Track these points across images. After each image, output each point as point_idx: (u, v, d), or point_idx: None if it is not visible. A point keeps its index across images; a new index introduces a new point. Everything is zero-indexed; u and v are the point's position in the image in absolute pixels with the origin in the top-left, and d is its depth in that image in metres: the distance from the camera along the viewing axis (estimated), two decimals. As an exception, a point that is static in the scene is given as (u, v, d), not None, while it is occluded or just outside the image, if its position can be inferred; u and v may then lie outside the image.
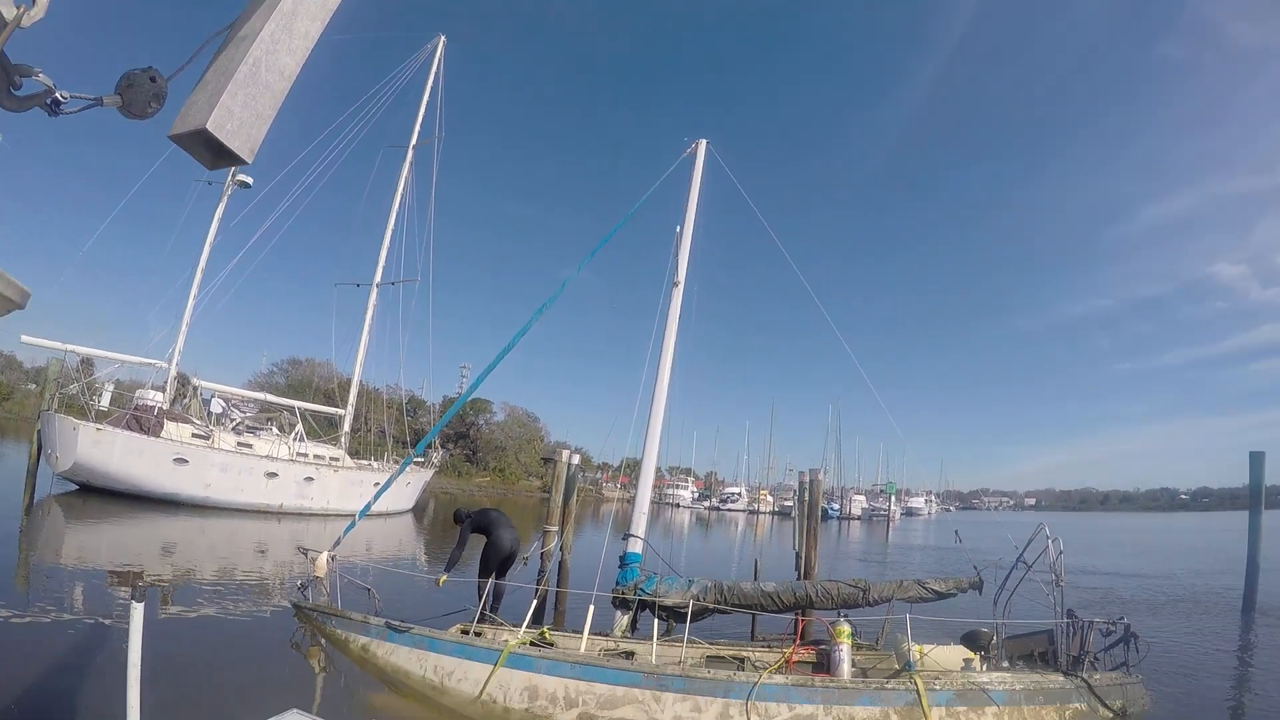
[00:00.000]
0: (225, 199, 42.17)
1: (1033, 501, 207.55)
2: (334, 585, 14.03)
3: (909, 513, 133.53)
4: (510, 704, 11.71)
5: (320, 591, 13.95)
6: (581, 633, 13.21)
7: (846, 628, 12.80)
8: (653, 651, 12.74)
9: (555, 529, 18.26)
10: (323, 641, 13.46)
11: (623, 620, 14.50)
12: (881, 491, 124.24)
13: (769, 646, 13.93)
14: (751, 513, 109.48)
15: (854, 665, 12.86)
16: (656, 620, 14.14)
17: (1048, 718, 12.43)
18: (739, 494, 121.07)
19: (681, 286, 16.99)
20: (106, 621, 12.51)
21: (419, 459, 50.85)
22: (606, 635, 14.08)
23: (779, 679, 11.57)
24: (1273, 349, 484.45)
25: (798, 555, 19.87)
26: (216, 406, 41.05)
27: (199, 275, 40.62)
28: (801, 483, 21.36)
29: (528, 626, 13.42)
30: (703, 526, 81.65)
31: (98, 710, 9.03)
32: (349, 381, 47.82)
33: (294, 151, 44.03)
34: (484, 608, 14.14)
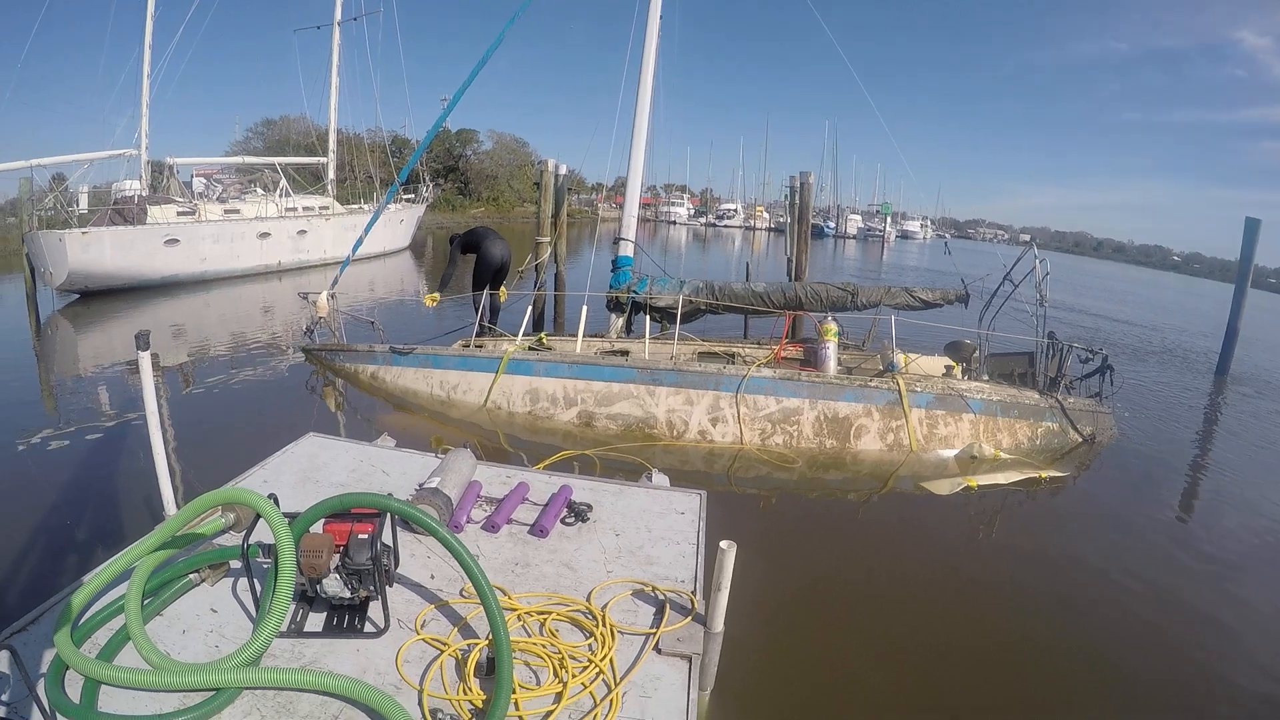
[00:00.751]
0: None
1: (1027, 238, 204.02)
2: (337, 324, 14.54)
3: (904, 235, 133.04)
4: (514, 408, 12.37)
5: (327, 331, 14.47)
6: (578, 336, 13.70)
7: (834, 326, 13.29)
8: (646, 350, 13.26)
9: (546, 239, 18.34)
10: (335, 379, 14.02)
11: (617, 322, 14.96)
12: (877, 212, 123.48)
13: (759, 344, 14.59)
14: (748, 229, 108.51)
15: (840, 364, 13.40)
16: (649, 321, 14.60)
17: (1020, 432, 12.97)
18: (735, 210, 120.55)
19: None
20: (133, 417, 12.35)
21: (403, 193, 50.88)
22: (602, 337, 14.68)
23: (767, 372, 12.09)
24: None
25: (789, 259, 20.09)
26: (198, 185, 40.46)
27: (147, 51, 37.35)
28: (792, 186, 21.20)
29: (525, 334, 13.94)
30: (700, 243, 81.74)
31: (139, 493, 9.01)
32: (327, 131, 46.40)
33: None
34: (481, 319, 14.61)
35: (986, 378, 14.05)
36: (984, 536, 10.07)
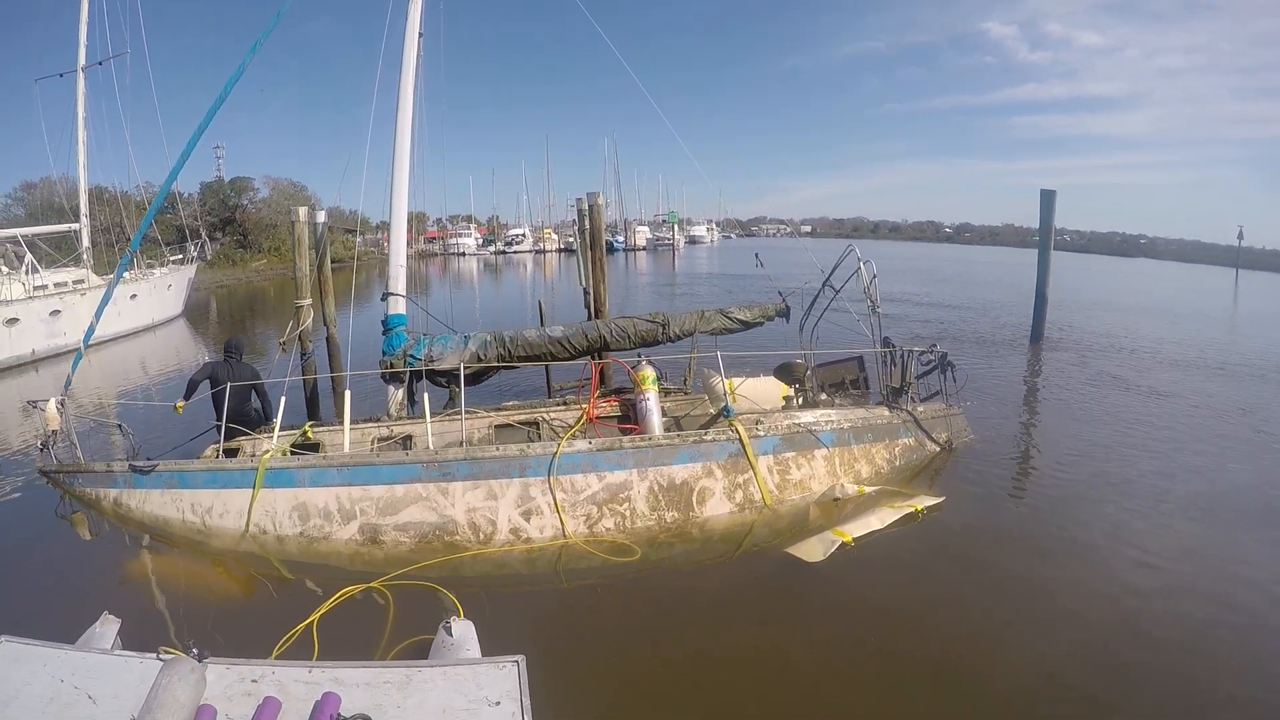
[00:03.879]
0: None
1: (808, 229, 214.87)
2: (72, 433, 11.46)
3: (692, 241, 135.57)
4: (282, 531, 9.58)
5: (64, 446, 11.38)
6: (343, 426, 10.85)
7: (650, 372, 11.06)
8: (429, 432, 10.47)
9: (307, 301, 15.31)
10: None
11: (397, 397, 12.23)
12: (664, 221, 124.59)
13: (565, 403, 12.01)
14: (538, 252, 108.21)
15: (664, 415, 11.23)
16: (428, 394, 11.83)
17: (878, 456, 11.82)
18: (523, 235, 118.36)
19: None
20: None
21: (169, 254, 46.20)
22: (378, 421, 11.76)
23: (581, 445, 9.85)
24: (1032, 106, 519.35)
25: (586, 292, 17.96)
26: None
27: None
28: (580, 210, 19.10)
29: (283, 429, 11.04)
30: (492, 272, 79.48)
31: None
32: (92, 191, 40.90)
33: None
34: (225, 416, 11.25)
35: (825, 397, 12.99)
36: (866, 597, 8.53)
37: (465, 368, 11.65)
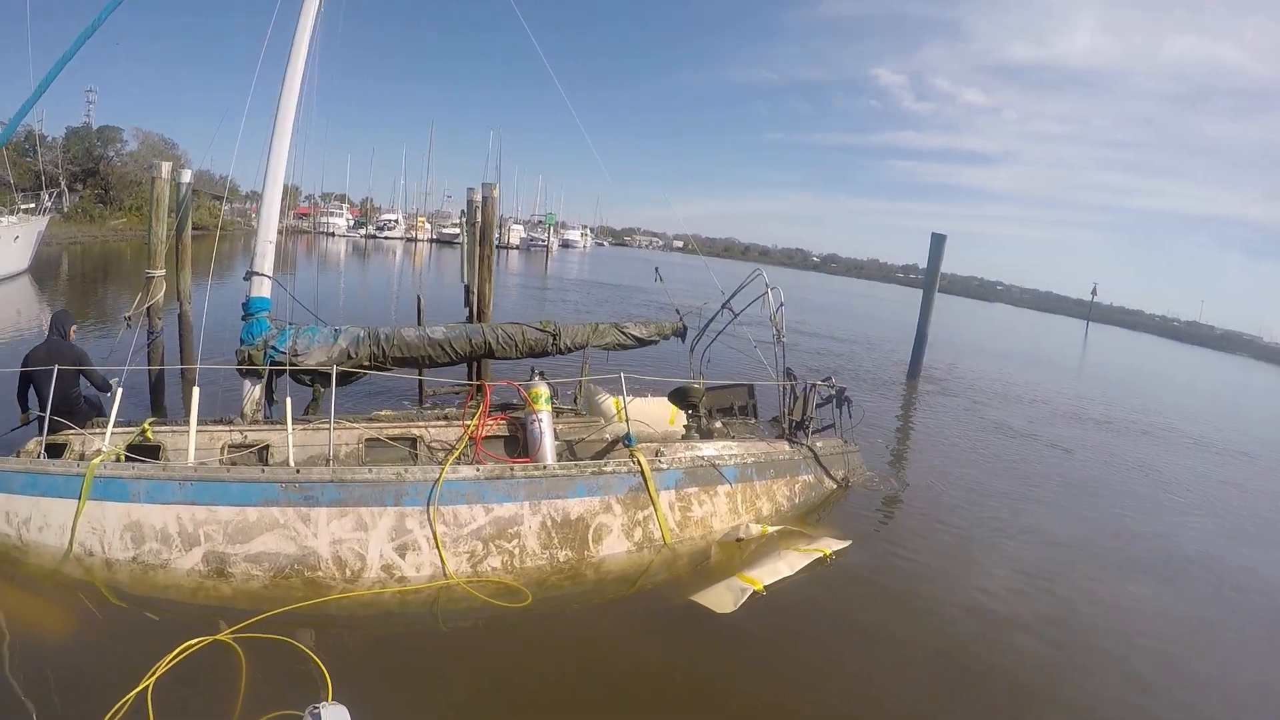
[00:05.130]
0: None
1: (680, 244, 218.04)
2: None
3: (565, 244, 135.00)
4: (112, 554, 7.90)
5: None
6: (189, 427, 9.12)
7: (544, 390, 9.92)
8: (290, 443, 9.01)
9: (160, 272, 13.53)
10: None
11: (253, 394, 10.61)
12: (540, 222, 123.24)
13: (446, 418, 10.56)
14: (409, 240, 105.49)
15: (557, 438, 10.07)
16: (288, 397, 10.11)
17: (779, 493, 11.21)
18: (396, 221, 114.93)
19: None
20: None
21: (20, 201, 41.80)
22: (230, 423, 9.93)
23: (467, 472, 8.60)
24: (910, 152, 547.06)
25: (468, 290, 16.65)
26: None
27: None
28: (471, 201, 17.77)
29: (119, 425, 9.32)
30: (360, 256, 76.23)
31: None
32: None
33: None
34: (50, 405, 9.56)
35: (719, 425, 12.29)
36: (784, 654, 7.86)
37: (335, 366, 10.33)
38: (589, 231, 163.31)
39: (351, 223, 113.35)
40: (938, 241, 26.75)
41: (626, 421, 10.01)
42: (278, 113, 11.27)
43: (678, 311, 13.25)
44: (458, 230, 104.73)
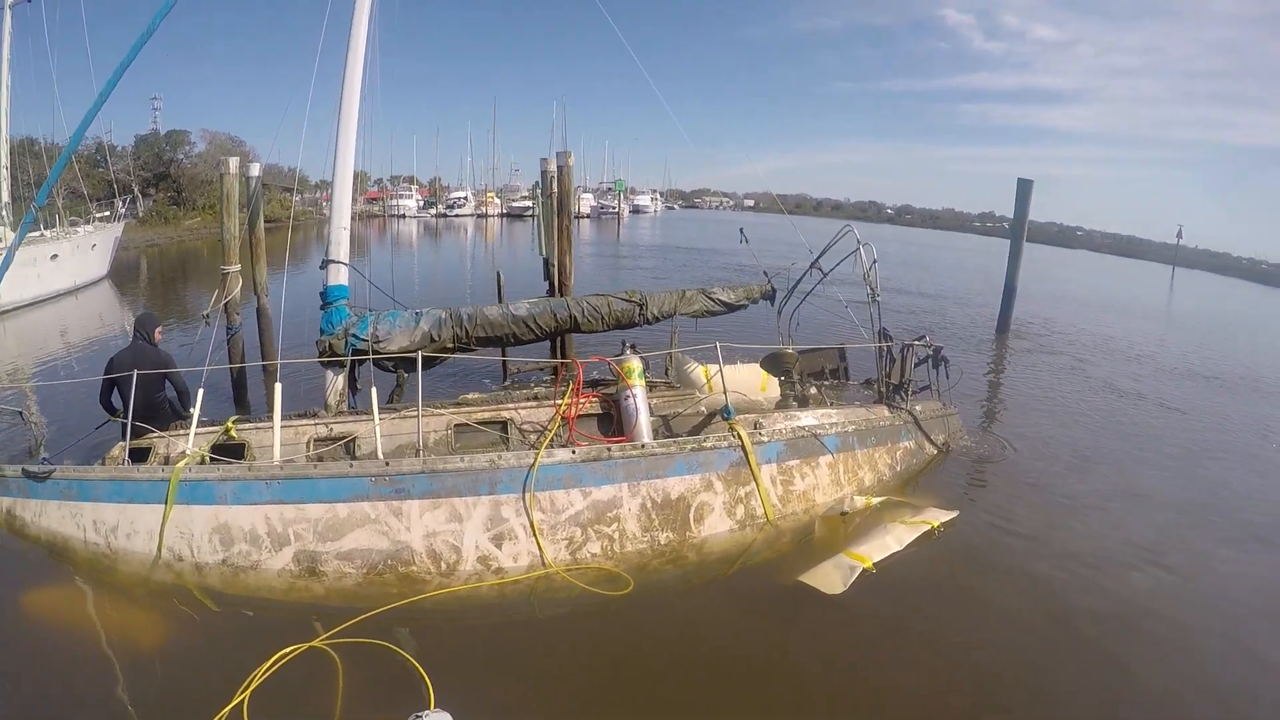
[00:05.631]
0: None
1: (751, 203, 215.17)
2: None
3: (636, 210, 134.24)
4: (201, 557, 7.80)
5: None
6: (273, 423, 8.88)
7: (636, 364, 9.51)
8: (378, 434, 8.72)
9: (236, 268, 13.46)
10: None
11: (336, 384, 10.40)
12: (610, 189, 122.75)
13: (536, 399, 10.16)
14: (480, 216, 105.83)
15: (651, 413, 9.66)
16: (373, 383, 9.86)
17: (880, 462, 10.60)
18: (465, 198, 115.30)
19: None
20: None
21: (95, 210, 43.29)
22: (315, 417, 9.72)
23: (563, 455, 8.24)
24: (982, 95, 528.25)
25: (547, 263, 16.27)
26: None
27: None
28: (545, 171, 17.29)
29: (202, 425, 9.11)
30: (432, 236, 76.88)
31: None
32: (20, 143, 37.88)
33: None
34: (132, 410, 9.19)
35: (814, 390, 11.72)
36: (901, 635, 7.37)
37: (418, 351, 10.07)
38: (658, 196, 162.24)
39: (421, 203, 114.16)
40: (1024, 187, 25.15)
41: (725, 393, 9.53)
42: (341, 101, 11.04)
43: (765, 274, 12.74)
44: (529, 203, 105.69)
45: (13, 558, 8.21)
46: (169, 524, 7.85)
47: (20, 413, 10.96)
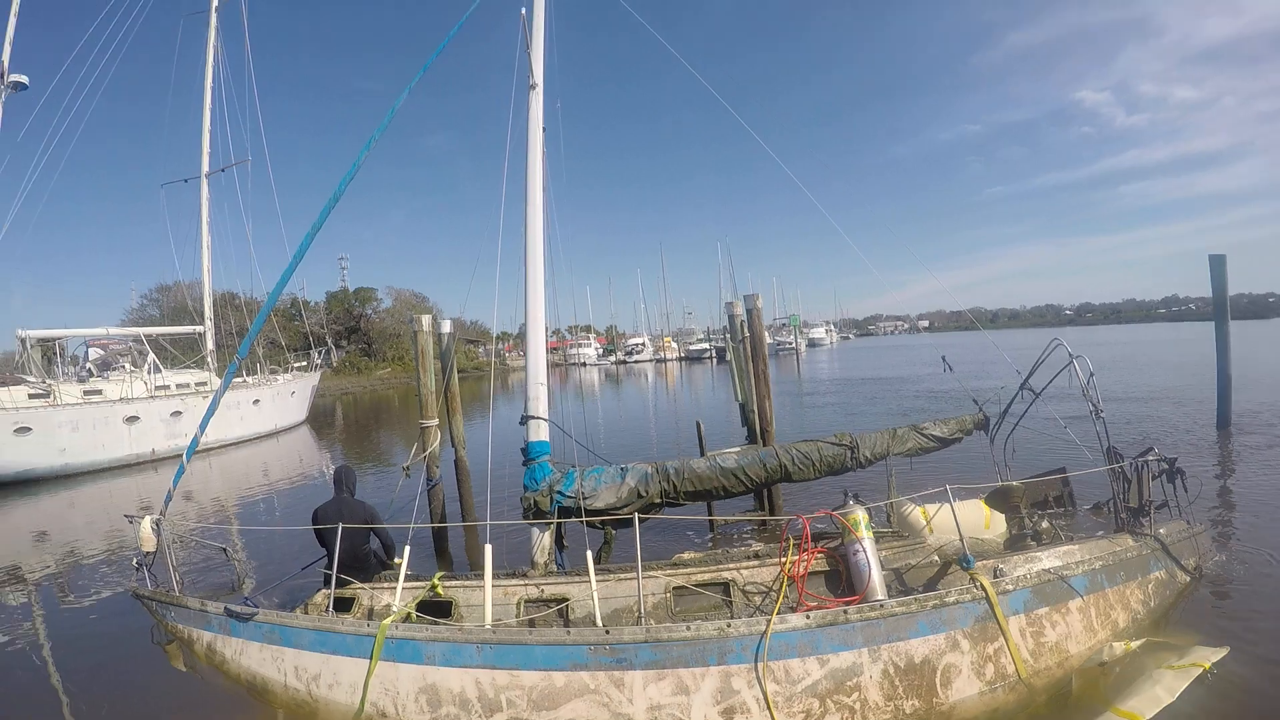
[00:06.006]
0: None
1: (926, 324, 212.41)
2: (169, 558, 10.04)
3: (811, 344, 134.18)
4: (406, 716, 7.66)
5: (164, 569, 10.08)
6: (484, 583, 8.79)
7: (862, 514, 8.85)
8: (594, 594, 8.41)
9: (434, 422, 13.70)
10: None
11: (543, 542, 10.18)
12: (784, 325, 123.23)
13: (757, 557, 9.56)
14: (659, 361, 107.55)
15: (882, 566, 8.95)
16: (589, 554, 9.44)
17: (1133, 598, 9.37)
18: (643, 344, 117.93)
19: (540, 90, 12.10)
20: None
21: (294, 361, 47.78)
22: (524, 577, 9.46)
23: (796, 621, 7.62)
24: (1137, 172, 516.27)
25: (744, 409, 15.88)
26: (95, 353, 36.33)
27: None
28: (733, 315, 16.99)
29: (409, 579, 9.11)
30: (613, 383, 78.14)
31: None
32: (221, 296, 42.71)
33: (75, 40, 38.46)
34: (336, 562, 9.38)
35: (1046, 524, 10.74)
36: None
37: (626, 507, 9.77)
38: (832, 326, 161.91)
39: (600, 351, 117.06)
40: (1218, 264, 23.21)
41: (961, 539, 8.76)
42: (525, 262, 11.42)
43: (975, 401, 12.08)
44: (705, 346, 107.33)
45: (217, 692, 8.64)
46: (374, 679, 7.79)
47: (225, 549, 11.57)
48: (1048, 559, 9.07)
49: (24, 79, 35.26)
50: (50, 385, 30.93)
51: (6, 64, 34.36)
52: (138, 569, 10.13)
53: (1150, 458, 10.72)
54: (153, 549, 9.94)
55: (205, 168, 40.67)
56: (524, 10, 12.16)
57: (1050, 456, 13.31)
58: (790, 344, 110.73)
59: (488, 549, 8.71)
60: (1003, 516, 10.95)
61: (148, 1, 39.02)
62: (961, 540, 8.71)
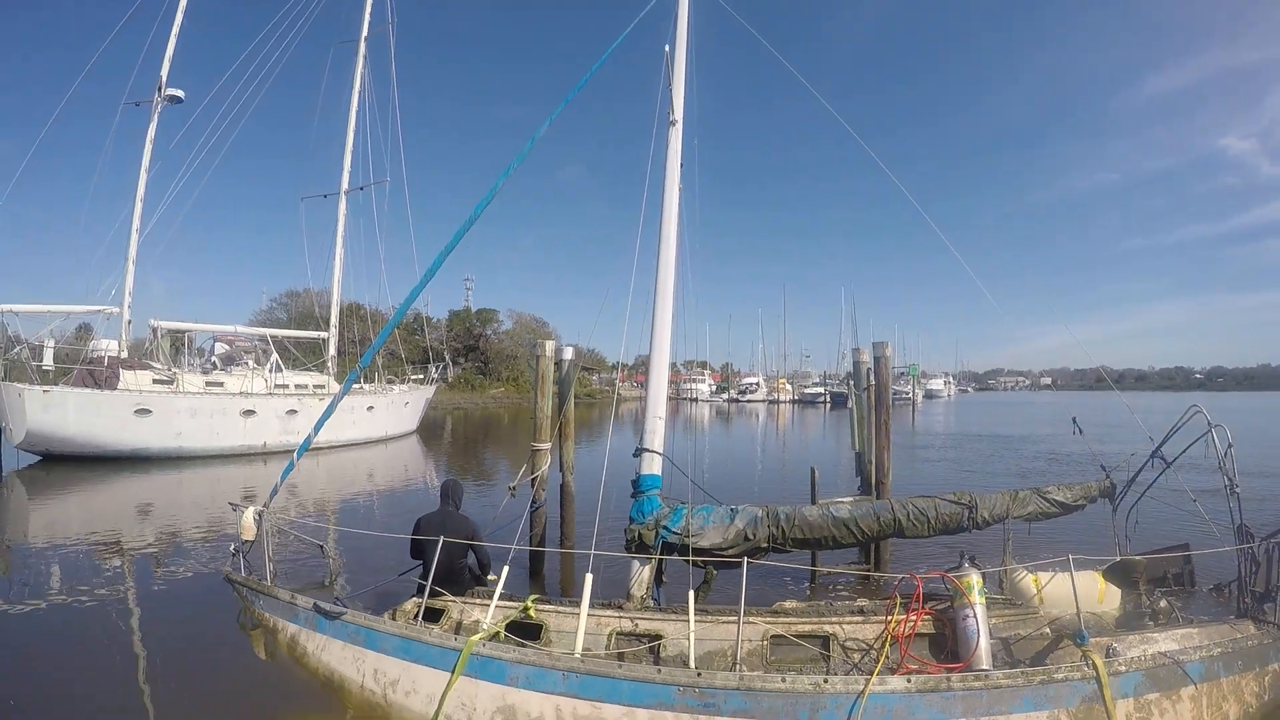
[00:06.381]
0: (155, 118, 37.46)
1: (1048, 381, 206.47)
2: (267, 548, 10.48)
3: (928, 395, 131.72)
4: None
5: (260, 557, 10.54)
6: (580, 610, 8.76)
7: (976, 579, 8.47)
8: (690, 634, 8.29)
9: (546, 445, 13.83)
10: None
11: (642, 576, 10.12)
12: (902, 374, 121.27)
13: (862, 612, 9.30)
14: (771, 402, 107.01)
15: (991, 635, 8.64)
16: (692, 593, 9.31)
17: (1247, 690, 8.72)
18: (757, 384, 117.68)
19: (680, 126, 12.21)
20: (87, 601, 12.28)
21: (412, 372, 49.62)
22: (620, 608, 9.41)
23: (896, 684, 7.36)
24: None
25: (861, 458, 15.56)
26: (221, 348, 38.83)
27: (138, 206, 36.78)
28: (859, 363, 16.73)
29: (502, 598, 9.14)
30: (724, 420, 77.70)
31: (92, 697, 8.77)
32: (347, 305, 44.96)
33: (229, 59, 40.89)
34: (436, 573, 9.31)
35: (1164, 604, 10.06)
36: None
37: (731, 549, 9.68)
38: (951, 379, 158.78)
39: (714, 388, 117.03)
40: None
41: (1078, 614, 8.41)
42: (655, 297, 11.49)
43: (1103, 467, 11.52)
44: (820, 390, 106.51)
45: (293, 683, 8.92)
46: (452, 692, 7.79)
47: (322, 546, 11.62)
48: (1165, 641, 8.60)
49: (180, 93, 38.08)
50: (175, 373, 32.87)
51: (165, 79, 37.19)
52: (235, 555, 10.54)
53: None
54: (252, 538, 10.35)
55: (345, 185, 42.89)
56: (668, 47, 12.31)
57: (1174, 529, 12.66)
58: (906, 394, 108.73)
59: (589, 578, 8.67)
60: (1119, 591, 10.42)
61: (302, 28, 41.46)
62: (1079, 614, 8.37)
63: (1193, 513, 10.69)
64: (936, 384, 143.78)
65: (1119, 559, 10.74)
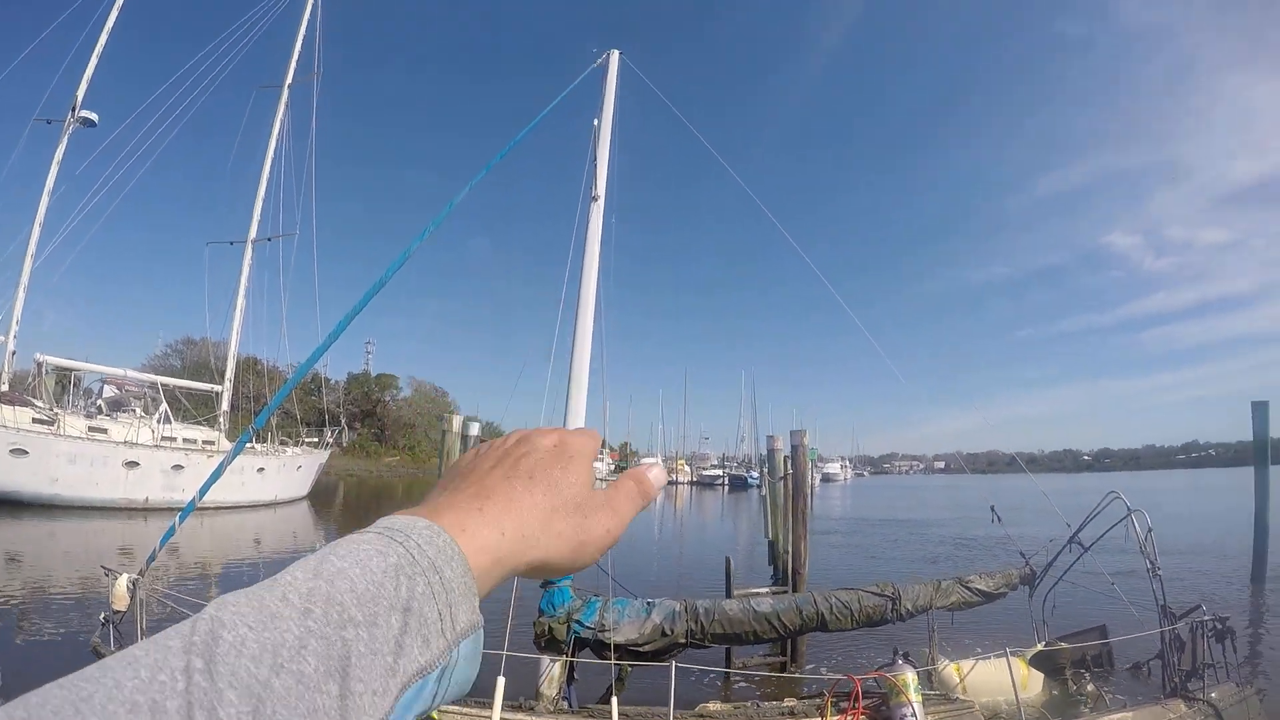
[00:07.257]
0: (65, 138, 35.71)
1: (942, 465, 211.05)
2: (140, 621, 9.41)
3: (825, 479, 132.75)
4: None
5: (131, 627, 9.44)
6: (491, 703, 7.93)
7: (912, 676, 8.13)
8: None
9: None
10: None
11: (553, 673, 9.51)
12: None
13: (793, 715, 8.74)
14: (670, 484, 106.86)
15: (929, 734, 8.24)
16: (615, 700, 8.75)
17: None
18: (655, 464, 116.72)
19: (602, 201, 12.17)
20: None
21: (305, 436, 48.19)
22: (531, 710, 8.71)
23: (841, 798, 6.89)
24: (1163, 317, 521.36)
25: (775, 546, 15.22)
26: (109, 391, 36.45)
27: (36, 230, 34.77)
28: (773, 450, 16.43)
29: None
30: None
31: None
32: (245, 360, 43.85)
33: (149, 89, 39.77)
34: None
35: (1091, 688, 10.43)
36: None
37: (647, 645, 9.12)
38: (848, 462, 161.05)
39: (612, 467, 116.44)
40: (1260, 411, 22.59)
41: (1019, 707, 8.09)
42: (571, 372, 11.31)
43: (1022, 554, 11.70)
44: (718, 472, 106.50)
45: None
46: None
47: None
48: None
49: (94, 116, 36.43)
50: (57, 414, 30.89)
51: (80, 99, 35.66)
52: (104, 624, 9.58)
53: (1206, 617, 10.10)
54: (124, 608, 9.45)
55: (253, 233, 41.56)
56: (596, 121, 12.15)
57: (1090, 611, 12.89)
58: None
59: (500, 680, 7.95)
60: (1041, 676, 10.50)
61: (228, 66, 41.05)
62: (1019, 707, 8.05)
63: (1108, 594, 10.85)
64: (833, 468, 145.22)
65: (1043, 648, 10.66)
